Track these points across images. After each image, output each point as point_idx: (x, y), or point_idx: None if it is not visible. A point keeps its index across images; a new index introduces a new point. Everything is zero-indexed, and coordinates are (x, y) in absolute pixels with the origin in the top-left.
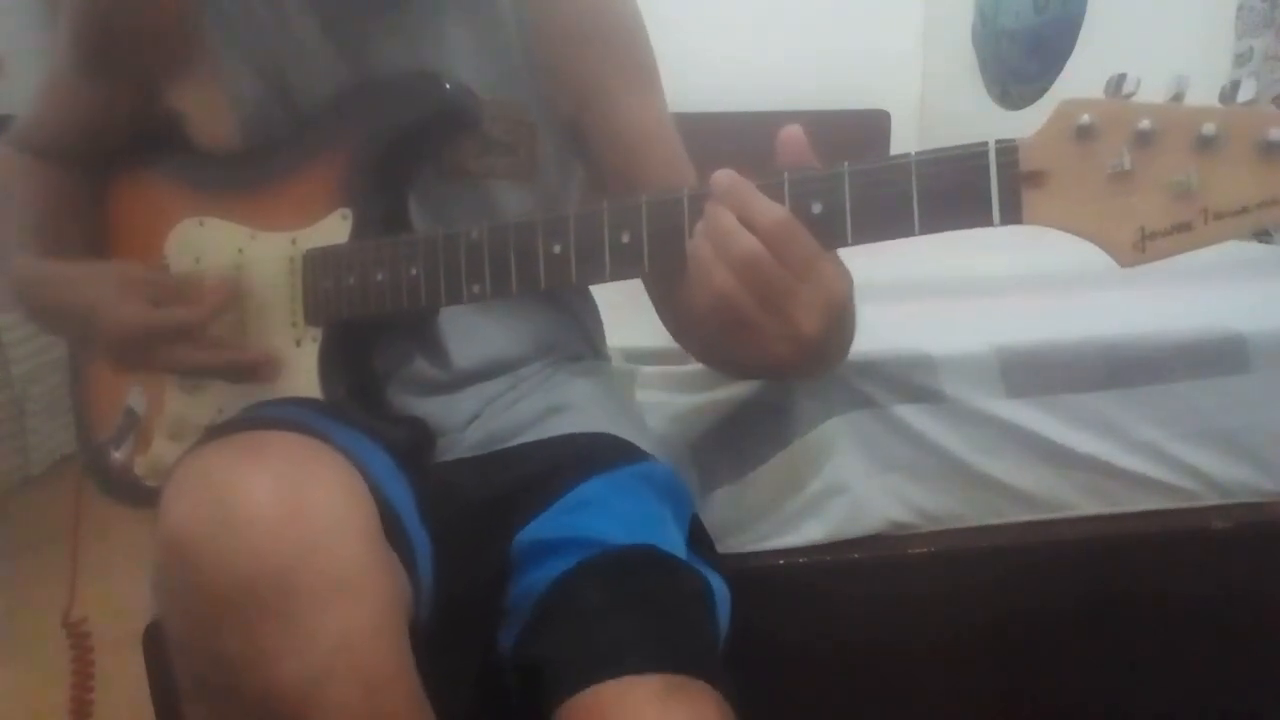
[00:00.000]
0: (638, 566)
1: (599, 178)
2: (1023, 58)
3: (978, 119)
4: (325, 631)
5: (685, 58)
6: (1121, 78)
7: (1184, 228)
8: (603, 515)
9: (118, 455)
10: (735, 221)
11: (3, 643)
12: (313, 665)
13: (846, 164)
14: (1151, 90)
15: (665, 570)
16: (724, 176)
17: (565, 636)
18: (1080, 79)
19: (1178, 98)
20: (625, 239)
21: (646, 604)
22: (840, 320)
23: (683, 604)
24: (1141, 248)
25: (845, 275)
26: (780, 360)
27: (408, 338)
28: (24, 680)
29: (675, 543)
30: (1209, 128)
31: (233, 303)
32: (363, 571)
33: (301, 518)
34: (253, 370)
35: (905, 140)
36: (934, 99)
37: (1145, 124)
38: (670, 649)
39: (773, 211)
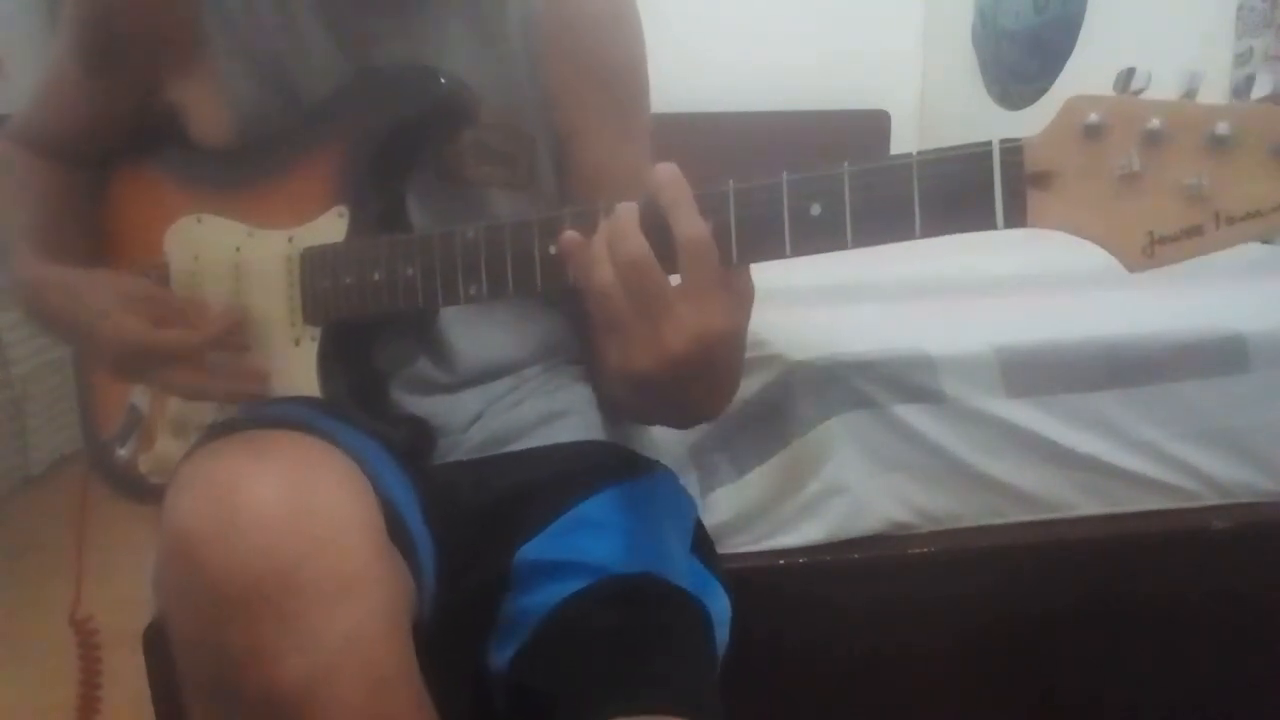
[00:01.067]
0: (637, 597)
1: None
2: (1023, 58)
3: (978, 119)
4: (330, 630)
5: (687, 58)
6: (1130, 72)
7: (1194, 231)
8: (604, 538)
9: (122, 452)
10: (633, 224)
11: (6, 642)
12: (317, 664)
13: (846, 164)
14: (1157, 89)
15: (664, 601)
16: (666, 172)
17: (562, 669)
18: (1080, 79)
19: (1190, 94)
20: None
21: (645, 639)
22: (711, 354)
23: (681, 638)
24: (1150, 252)
25: (732, 316)
26: (641, 372)
27: (410, 338)
28: (29, 679)
29: (676, 564)
30: (1222, 127)
31: (235, 332)
32: (368, 570)
33: (307, 516)
34: (244, 392)
35: (905, 140)
36: (934, 99)
37: (1155, 123)
38: (666, 688)
39: (692, 229)
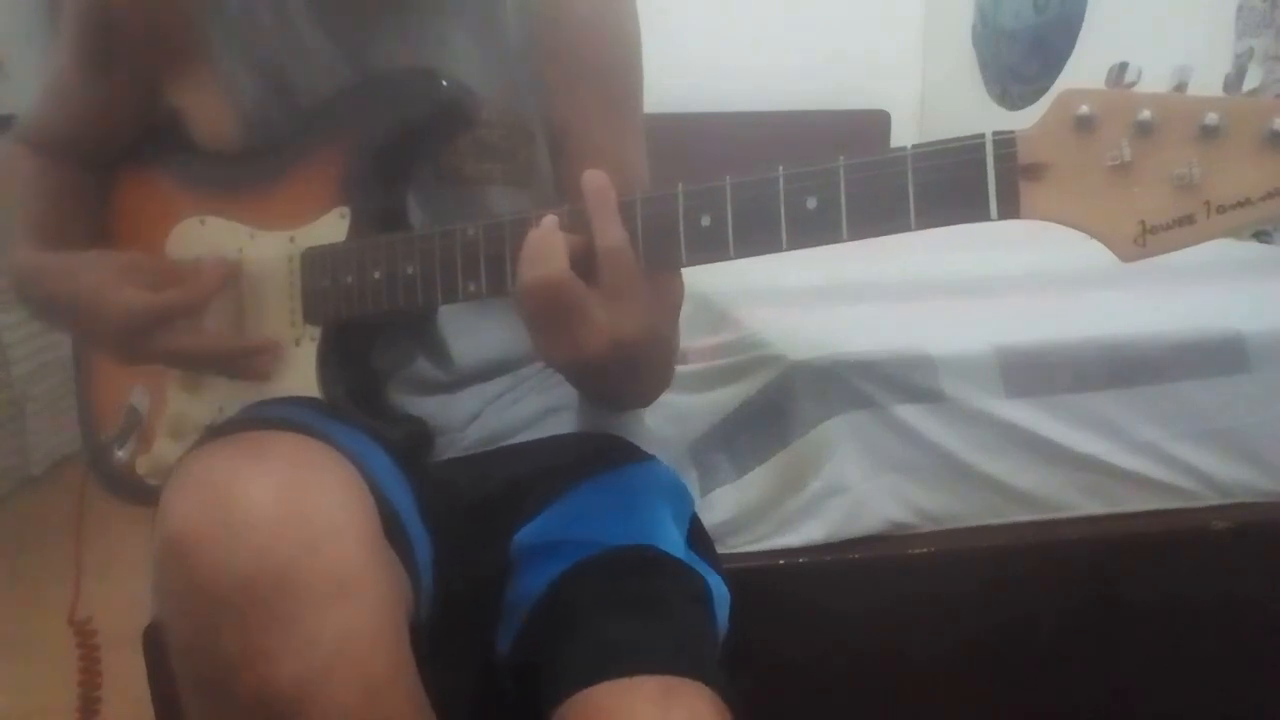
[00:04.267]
0: (636, 566)
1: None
2: (1023, 58)
3: (978, 119)
4: (325, 632)
5: (687, 59)
6: (1123, 67)
7: (1186, 221)
8: (602, 516)
9: (120, 454)
10: (559, 244)
11: (6, 642)
12: (312, 666)
13: (842, 158)
14: (1152, 82)
15: (664, 570)
16: (591, 180)
17: (563, 638)
18: (1080, 79)
19: (1180, 88)
20: None
21: (644, 605)
22: (625, 355)
23: (681, 605)
24: (1142, 242)
25: (648, 321)
26: (557, 366)
27: (408, 337)
28: (29, 679)
29: (674, 542)
30: (1211, 118)
31: (231, 282)
32: (363, 572)
33: (301, 518)
34: (253, 359)
35: (905, 140)
36: (934, 99)
37: (1146, 114)
38: (668, 651)
39: (609, 238)
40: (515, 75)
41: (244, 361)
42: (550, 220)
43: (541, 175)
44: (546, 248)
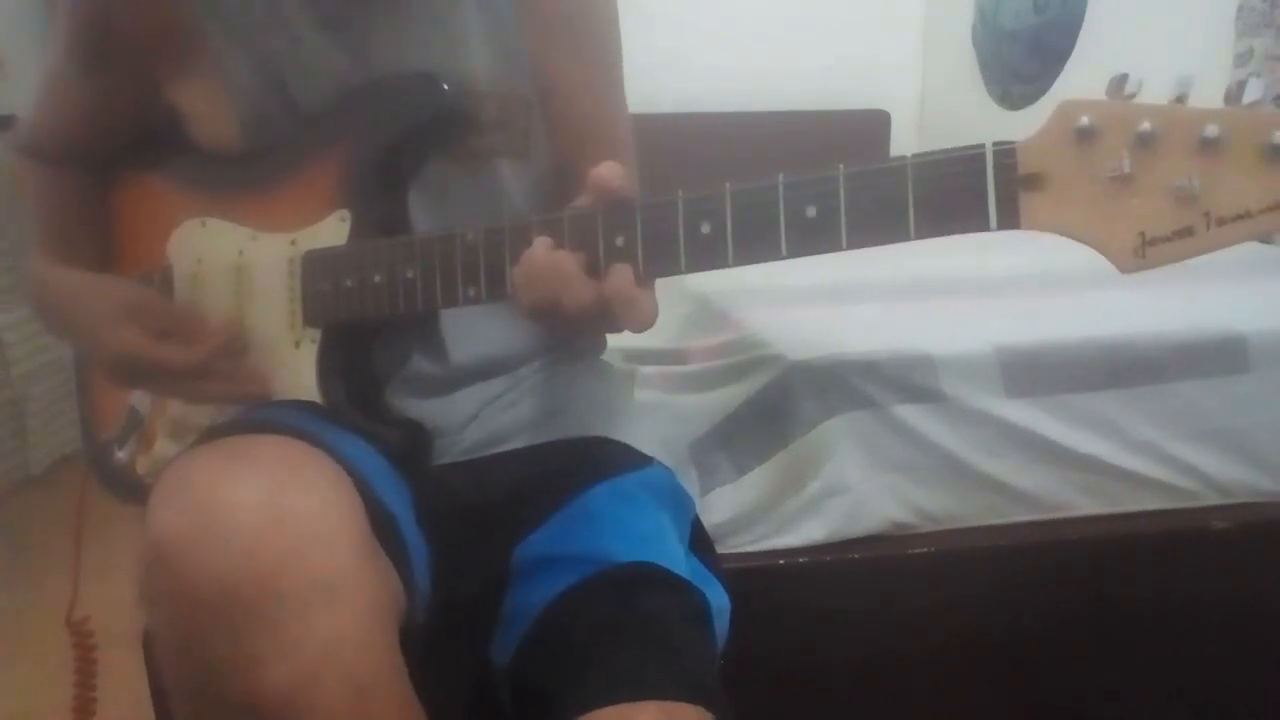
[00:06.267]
0: (637, 585)
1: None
2: (1023, 58)
3: (978, 119)
4: (311, 636)
5: (688, 59)
6: (1123, 78)
7: (1186, 233)
8: (603, 529)
9: (121, 454)
10: (555, 265)
11: (6, 641)
12: (299, 669)
13: (842, 167)
14: (1153, 92)
15: (664, 590)
16: (608, 172)
17: (563, 660)
18: (1080, 79)
19: (1181, 99)
20: (620, 242)
21: (645, 627)
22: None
23: (681, 626)
24: (1142, 253)
25: (643, 319)
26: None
27: (407, 336)
28: (26, 679)
29: (675, 555)
30: (1212, 130)
31: (235, 347)
32: (349, 575)
33: (286, 522)
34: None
35: (905, 141)
36: (934, 99)
37: (1146, 126)
38: (668, 675)
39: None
40: (510, 45)
41: (236, 399)
42: (543, 242)
43: (539, 145)
44: (543, 271)
